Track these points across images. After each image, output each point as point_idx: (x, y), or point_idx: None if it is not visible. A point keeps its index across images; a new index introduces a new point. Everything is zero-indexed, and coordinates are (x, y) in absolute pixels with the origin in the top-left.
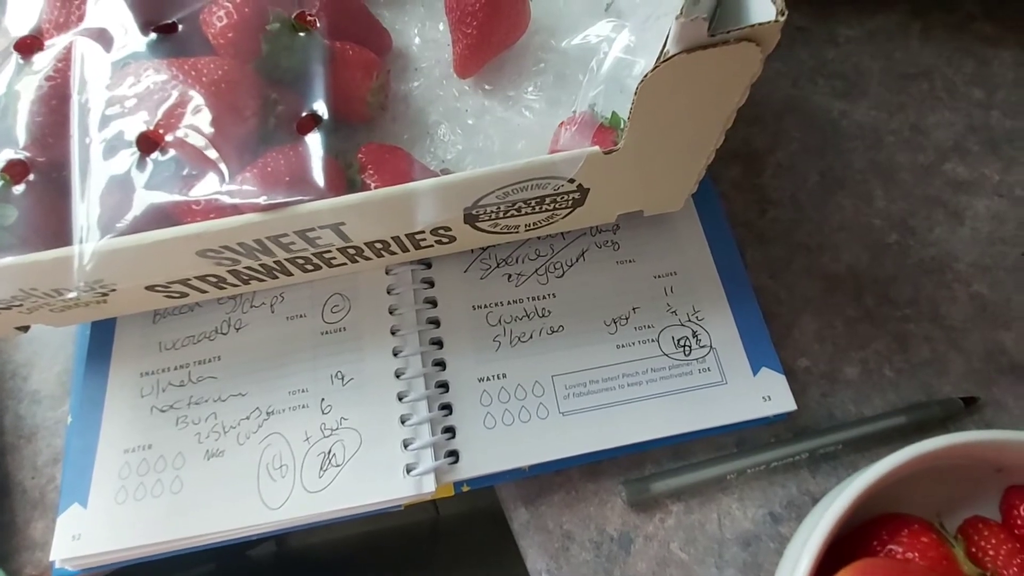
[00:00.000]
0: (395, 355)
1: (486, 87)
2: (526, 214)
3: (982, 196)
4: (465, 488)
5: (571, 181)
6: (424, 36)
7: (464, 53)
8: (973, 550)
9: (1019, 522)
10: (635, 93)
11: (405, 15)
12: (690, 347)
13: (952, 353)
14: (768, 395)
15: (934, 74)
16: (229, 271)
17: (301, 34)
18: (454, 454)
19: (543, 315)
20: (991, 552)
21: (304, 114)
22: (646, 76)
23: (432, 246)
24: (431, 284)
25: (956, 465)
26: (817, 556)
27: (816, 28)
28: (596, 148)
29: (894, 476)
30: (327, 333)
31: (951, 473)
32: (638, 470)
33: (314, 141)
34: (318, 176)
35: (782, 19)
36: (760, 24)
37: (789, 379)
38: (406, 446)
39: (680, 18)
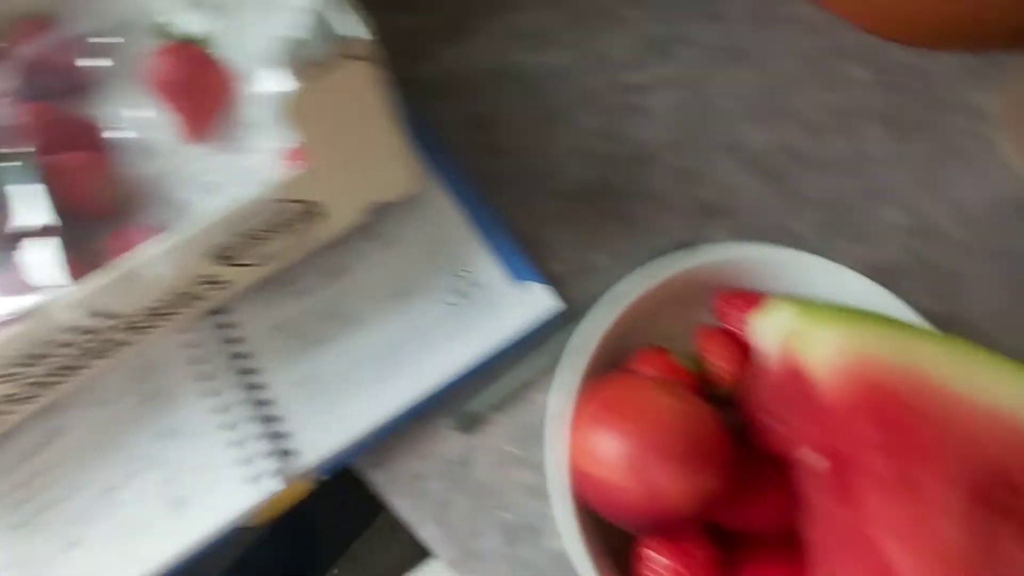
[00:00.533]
0: (216, 395)
1: (218, 143)
2: (276, 239)
3: (661, 92)
4: (322, 478)
5: (295, 201)
6: (141, 117)
7: (188, 122)
8: (698, 354)
9: (724, 317)
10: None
11: (115, 104)
12: (466, 291)
13: (666, 216)
14: (538, 303)
15: (600, 9)
16: (25, 385)
17: (15, 163)
18: (294, 453)
19: (336, 314)
20: (708, 348)
21: (32, 228)
22: (284, 107)
23: (210, 297)
24: (231, 325)
25: (682, 295)
26: (569, 382)
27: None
28: (294, 169)
29: (633, 312)
30: (142, 403)
31: (682, 303)
32: (460, 403)
33: (47, 248)
34: (63, 276)
35: (372, 38)
36: (352, 41)
37: (556, 284)
38: (246, 463)
39: (287, 66)
